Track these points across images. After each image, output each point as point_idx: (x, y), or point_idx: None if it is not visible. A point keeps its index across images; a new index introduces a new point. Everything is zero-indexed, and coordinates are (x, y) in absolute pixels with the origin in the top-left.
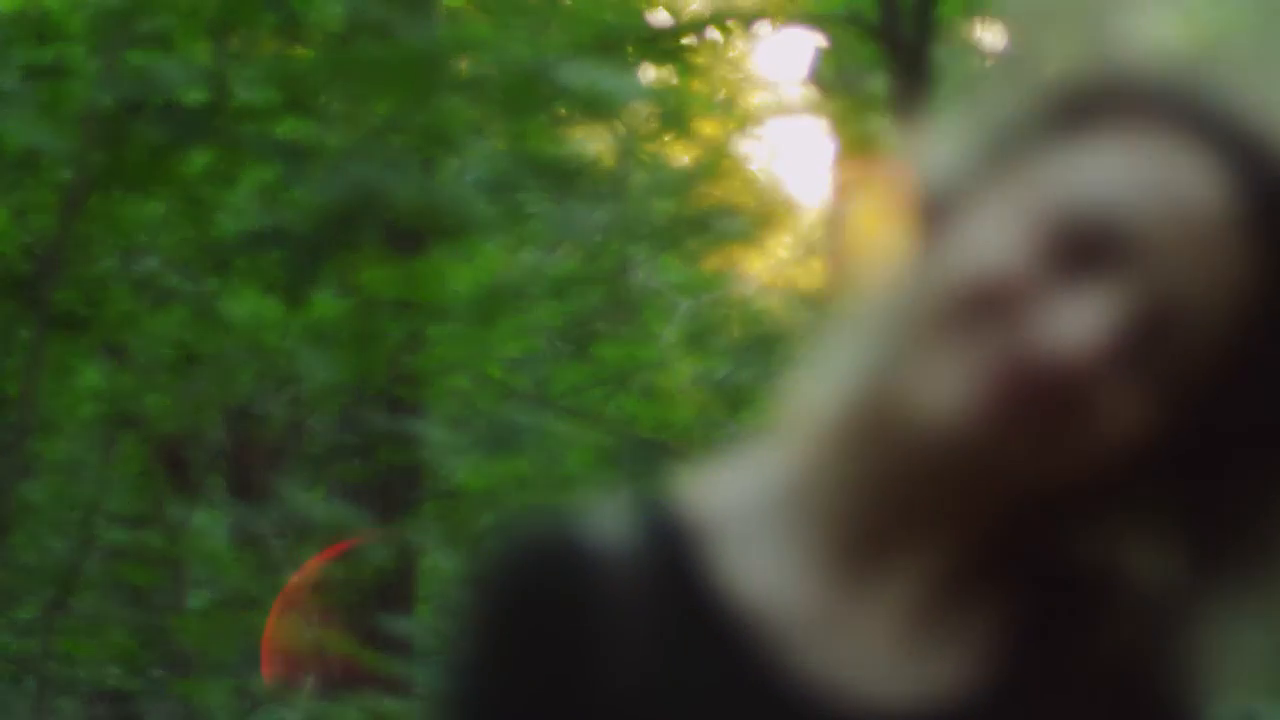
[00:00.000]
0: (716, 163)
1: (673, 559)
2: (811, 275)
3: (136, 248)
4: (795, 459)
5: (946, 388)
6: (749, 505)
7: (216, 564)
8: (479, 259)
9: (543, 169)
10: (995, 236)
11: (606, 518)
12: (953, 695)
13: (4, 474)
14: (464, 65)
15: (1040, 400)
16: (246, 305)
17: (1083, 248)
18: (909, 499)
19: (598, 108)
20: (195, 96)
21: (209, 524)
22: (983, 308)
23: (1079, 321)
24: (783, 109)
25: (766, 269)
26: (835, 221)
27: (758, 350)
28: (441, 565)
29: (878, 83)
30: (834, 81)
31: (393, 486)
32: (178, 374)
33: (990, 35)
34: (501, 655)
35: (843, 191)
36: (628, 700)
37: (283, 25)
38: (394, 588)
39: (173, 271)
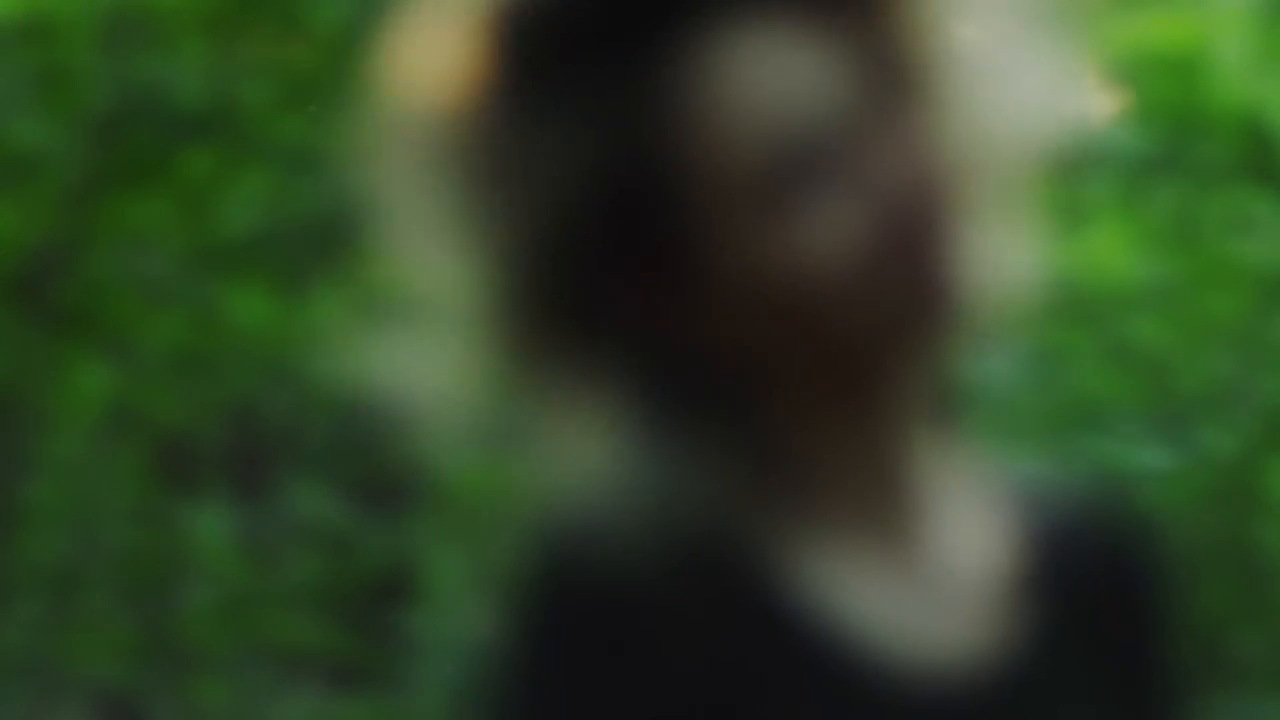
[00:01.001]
0: None
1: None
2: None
3: (137, 248)
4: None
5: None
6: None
7: (216, 564)
8: None
9: None
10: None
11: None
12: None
13: (5, 474)
14: None
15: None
16: (246, 305)
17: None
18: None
19: None
20: (195, 96)
21: (209, 524)
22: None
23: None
24: None
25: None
26: None
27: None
28: (443, 563)
29: None
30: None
31: (394, 486)
32: (178, 374)
33: None
34: (577, 661)
35: None
36: (698, 689)
37: (283, 25)
38: (396, 585)
39: (173, 271)
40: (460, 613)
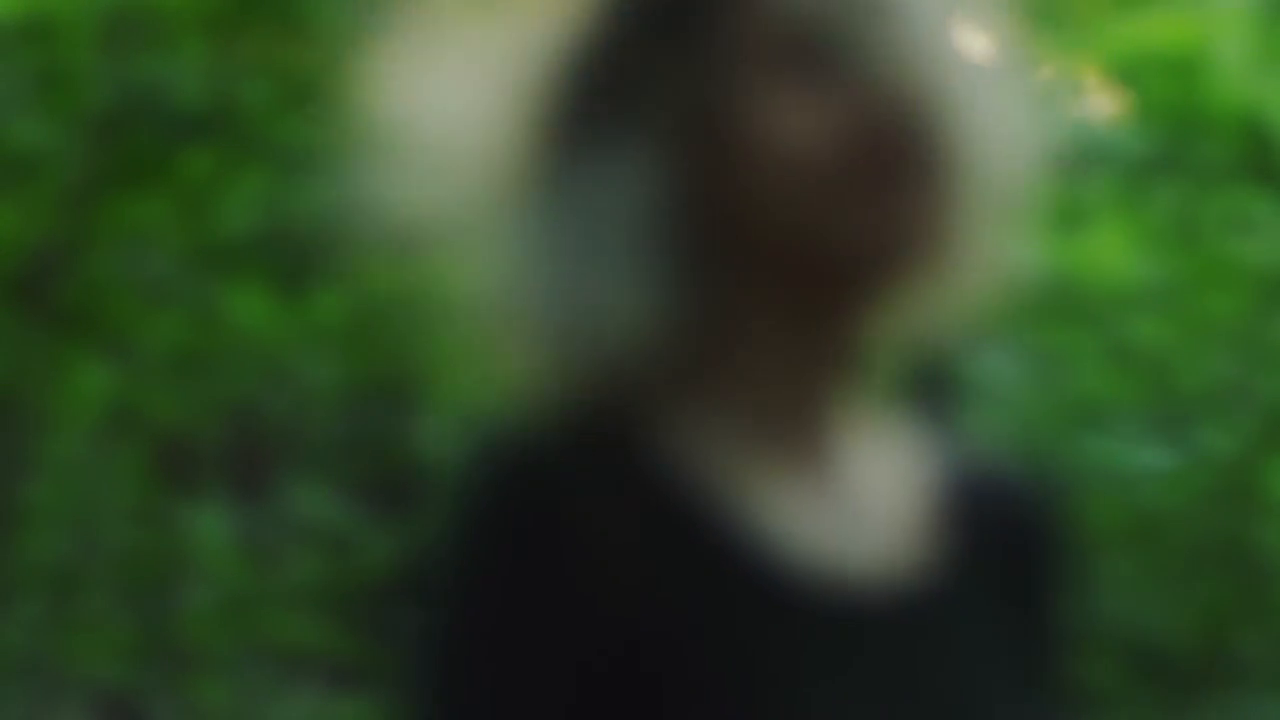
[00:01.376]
0: None
1: (621, 449)
2: None
3: (137, 248)
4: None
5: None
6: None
7: (216, 564)
8: None
9: None
10: None
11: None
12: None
13: (5, 473)
14: None
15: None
16: (246, 305)
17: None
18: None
19: None
20: (195, 96)
21: (209, 524)
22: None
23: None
24: None
25: None
26: None
27: None
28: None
29: None
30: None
31: (394, 486)
32: (178, 373)
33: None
34: (520, 569)
35: None
36: (627, 595)
37: (283, 25)
38: (397, 584)
39: (173, 271)
40: None
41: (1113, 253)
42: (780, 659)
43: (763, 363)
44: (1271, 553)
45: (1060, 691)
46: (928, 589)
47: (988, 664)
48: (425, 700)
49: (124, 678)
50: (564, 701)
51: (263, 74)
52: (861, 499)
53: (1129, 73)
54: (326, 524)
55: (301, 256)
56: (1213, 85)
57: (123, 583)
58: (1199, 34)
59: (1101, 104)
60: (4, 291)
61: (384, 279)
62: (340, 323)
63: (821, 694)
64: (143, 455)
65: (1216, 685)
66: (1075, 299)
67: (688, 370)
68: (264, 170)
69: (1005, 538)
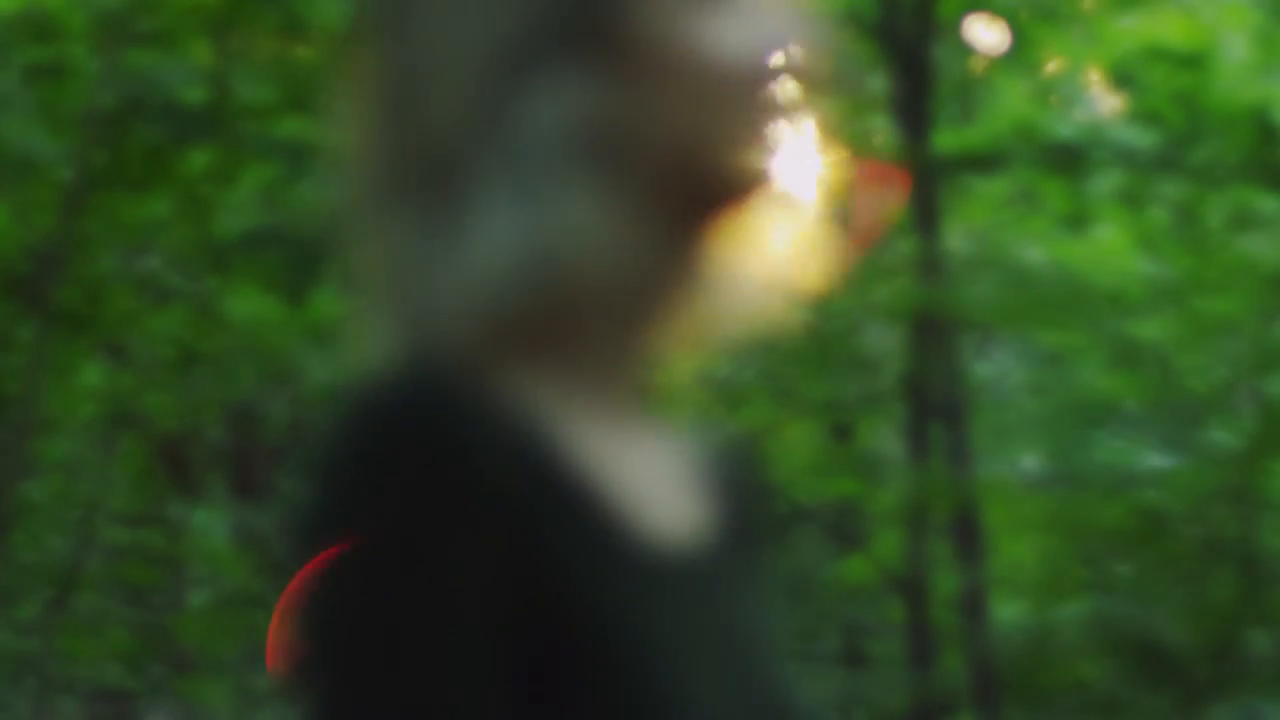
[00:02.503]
0: None
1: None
2: (811, 273)
3: (137, 247)
4: None
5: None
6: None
7: (216, 564)
8: None
9: None
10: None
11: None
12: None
13: (5, 473)
14: None
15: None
16: (246, 305)
17: None
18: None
19: None
20: (195, 96)
21: (209, 524)
22: None
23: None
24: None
25: (766, 266)
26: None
27: (757, 349)
28: None
29: (877, 82)
30: (832, 80)
31: None
32: (178, 373)
33: (990, 34)
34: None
35: (838, 189)
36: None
37: (283, 25)
38: None
39: (173, 271)
40: None
41: (1115, 252)
42: (643, 605)
43: (624, 316)
44: (1272, 553)
45: (771, 621)
46: (709, 545)
47: (748, 604)
48: (334, 637)
49: (124, 678)
50: (467, 627)
51: (263, 74)
52: (662, 467)
53: (1133, 71)
54: None
55: (302, 256)
56: (1217, 84)
57: (123, 583)
58: (1204, 33)
59: (1106, 102)
60: (4, 291)
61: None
62: (340, 323)
63: (674, 635)
64: (142, 455)
65: (1219, 684)
66: (1077, 299)
67: (559, 318)
68: (264, 170)
69: (736, 502)
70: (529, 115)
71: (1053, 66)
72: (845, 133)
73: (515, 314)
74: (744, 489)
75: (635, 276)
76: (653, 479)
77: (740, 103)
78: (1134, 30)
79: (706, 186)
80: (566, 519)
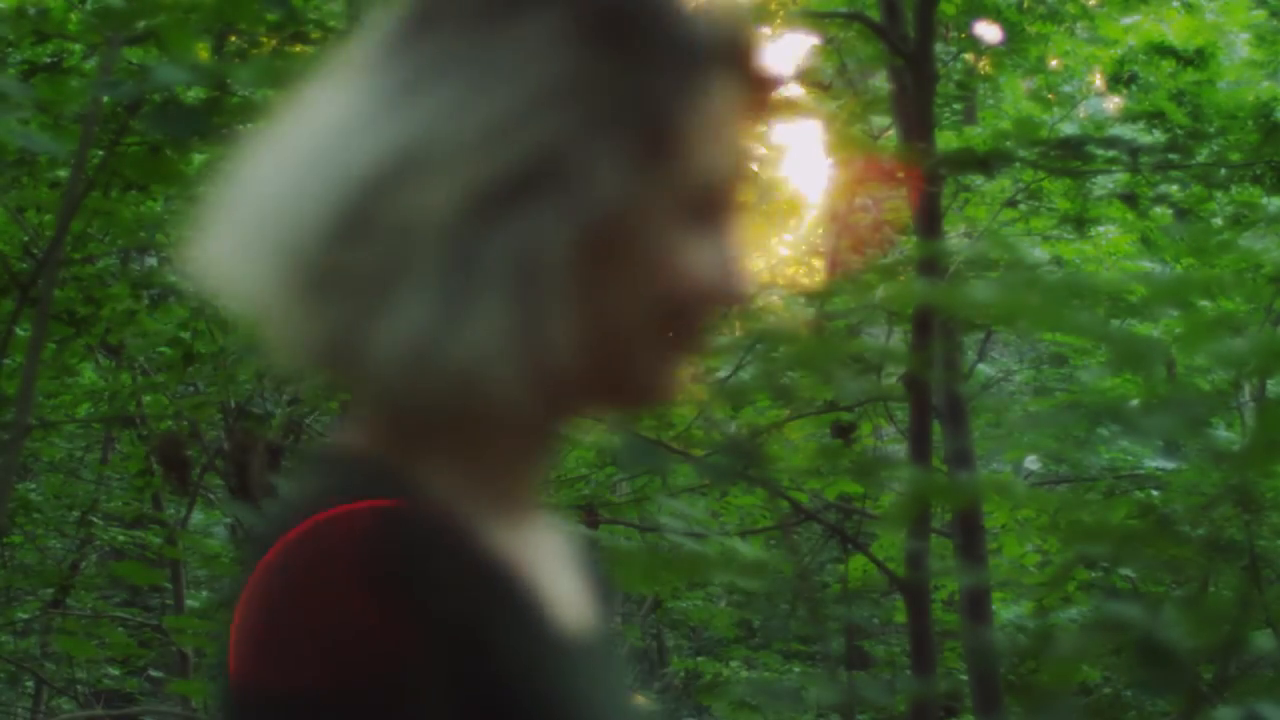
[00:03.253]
0: None
1: (454, 529)
2: (812, 274)
3: (135, 246)
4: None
5: None
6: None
7: (216, 564)
8: None
9: None
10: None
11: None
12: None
13: (3, 473)
14: None
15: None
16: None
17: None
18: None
19: None
20: (195, 95)
21: (209, 524)
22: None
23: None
24: (784, 108)
25: (768, 267)
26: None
27: (758, 349)
28: None
29: (879, 82)
30: (834, 80)
31: None
32: (177, 373)
33: (990, 34)
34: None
35: (841, 190)
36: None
37: (282, 23)
38: None
39: (172, 270)
40: None
41: (1116, 251)
42: (570, 683)
43: (541, 416)
44: (1272, 553)
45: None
46: (594, 623)
47: (619, 672)
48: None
49: (123, 678)
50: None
51: (262, 74)
52: (558, 556)
53: (1136, 69)
54: None
55: None
56: (1220, 82)
57: (122, 583)
58: (1207, 31)
59: (1108, 100)
60: (3, 290)
61: None
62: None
63: (593, 706)
64: (141, 455)
65: (1218, 686)
66: (1081, 297)
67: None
68: None
69: (594, 583)
70: (484, 239)
71: (1055, 65)
72: (847, 134)
73: (419, 408)
74: (594, 571)
75: (538, 395)
76: (555, 567)
77: (676, 317)
78: (1136, 29)
79: (622, 369)
80: (506, 613)
